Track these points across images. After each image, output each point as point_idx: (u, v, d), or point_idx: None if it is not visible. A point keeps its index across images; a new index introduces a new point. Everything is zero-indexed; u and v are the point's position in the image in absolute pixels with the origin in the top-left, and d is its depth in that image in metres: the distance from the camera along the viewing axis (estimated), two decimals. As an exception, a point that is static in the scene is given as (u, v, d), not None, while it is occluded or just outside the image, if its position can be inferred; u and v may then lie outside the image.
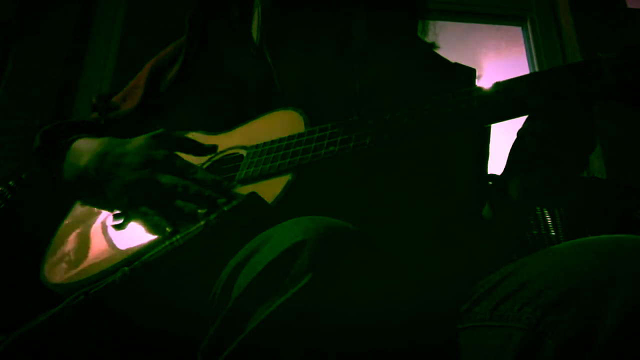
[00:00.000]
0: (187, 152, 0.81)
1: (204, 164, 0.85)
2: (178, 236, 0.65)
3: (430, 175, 0.84)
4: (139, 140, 0.79)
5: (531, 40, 2.35)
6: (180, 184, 0.73)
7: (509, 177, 0.74)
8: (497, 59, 2.45)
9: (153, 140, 0.78)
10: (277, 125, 0.81)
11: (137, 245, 0.75)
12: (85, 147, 0.88)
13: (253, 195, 0.66)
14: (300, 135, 0.77)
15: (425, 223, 0.80)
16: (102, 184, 0.81)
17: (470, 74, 0.93)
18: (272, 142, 0.79)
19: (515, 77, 0.68)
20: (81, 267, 0.78)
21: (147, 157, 0.76)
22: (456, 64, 0.97)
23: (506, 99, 0.66)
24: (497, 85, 0.68)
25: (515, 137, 0.73)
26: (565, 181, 0.69)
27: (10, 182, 1.22)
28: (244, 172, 0.78)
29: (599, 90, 0.62)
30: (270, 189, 0.72)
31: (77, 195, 0.92)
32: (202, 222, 0.65)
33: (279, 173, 0.74)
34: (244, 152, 0.82)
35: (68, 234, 0.87)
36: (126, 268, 0.64)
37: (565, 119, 0.66)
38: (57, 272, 0.80)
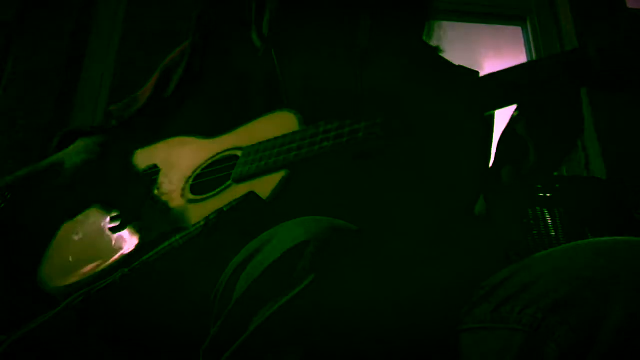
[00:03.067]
0: None
1: (201, 164, 0.86)
2: (178, 237, 0.65)
3: (430, 174, 0.84)
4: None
5: (531, 40, 2.35)
6: None
7: (501, 163, 0.75)
8: (497, 59, 2.44)
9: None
10: (272, 126, 0.82)
11: (135, 249, 0.76)
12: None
13: (251, 195, 0.66)
14: (294, 133, 0.77)
15: (426, 223, 0.80)
16: None
17: (472, 76, 0.94)
18: (268, 141, 0.79)
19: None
20: (77, 271, 0.78)
21: None
22: (460, 66, 0.98)
23: (498, 85, 0.67)
24: (491, 75, 0.69)
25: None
26: (555, 163, 0.71)
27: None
28: (239, 170, 0.79)
29: (585, 74, 0.63)
30: (265, 186, 0.72)
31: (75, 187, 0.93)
32: (202, 223, 0.65)
33: (274, 170, 0.74)
34: (239, 153, 0.82)
35: (66, 238, 0.88)
36: (126, 269, 0.64)
37: (553, 104, 0.67)
38: (55, 276, 0.80)
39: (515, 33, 2.44)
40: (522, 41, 2.41)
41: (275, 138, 0.79)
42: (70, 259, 0.81)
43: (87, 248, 0.82)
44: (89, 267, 0.77)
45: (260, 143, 0.80)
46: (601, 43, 0.62)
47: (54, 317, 0.62)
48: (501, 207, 0.79)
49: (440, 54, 1.02)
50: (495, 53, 2.46)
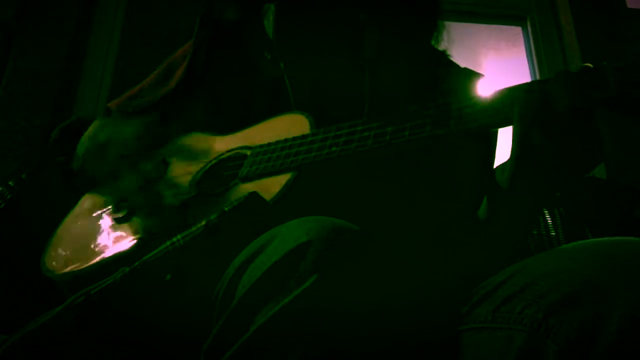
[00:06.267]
0: None
1: (210, 161, 0.86)
2: (179, 236, 0.65)
3: (432, 177, 0.84)
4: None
5: (531, 40, 2.35)
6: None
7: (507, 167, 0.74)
8: (497, 59, 2.44)
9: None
10: (282, 127, 0.82)
11: (136, 239, 0.76)
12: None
13: (254, 195, 0.66)
14: (304, 136, 0.78)
15: (427, 224, 0.80)
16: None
17: (475, 77, 0.94)
18: (277, 142, 0.80)
19: (519, 84, 0.69)
20: (80, 259, 0.79)
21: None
22: (465, 69, 0.98)
23: (513, 102, 0.67)
24: (501, 92, 0.69)
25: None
26: (564, 186, 0.69)
27: (10, 182, 1.22)
28: (246, 169, 0.79)
29: (602, 97, 0.62)
30: (271, 186, 0.73)
31: (86, 175, 0.92)
32: (203, 222, 0.65)
33: (280, 171, 0.75)
34: (248, 152, 0.83)
35: (71, 227, 0.88)
36: (126, 268, 0.64)
37: (569, 134, 0.65)
38: (56, 262, 0.80)
39: (515, 33, 2.44)
40: (522, 41, 2.41)
41: (285, 140, 0.79)
42: (74, 247, 0.82)
43: (92, 237, 0.82)
44: (91, 256, 0.78)
45: (269, 144, 0.80)
46: (618, 64, 0.62)
47: (54, 317, 0.62)
48: (503, 211, 0.79)
49: (448, 57, 1.02)
50: (495, 53, 2.46)
